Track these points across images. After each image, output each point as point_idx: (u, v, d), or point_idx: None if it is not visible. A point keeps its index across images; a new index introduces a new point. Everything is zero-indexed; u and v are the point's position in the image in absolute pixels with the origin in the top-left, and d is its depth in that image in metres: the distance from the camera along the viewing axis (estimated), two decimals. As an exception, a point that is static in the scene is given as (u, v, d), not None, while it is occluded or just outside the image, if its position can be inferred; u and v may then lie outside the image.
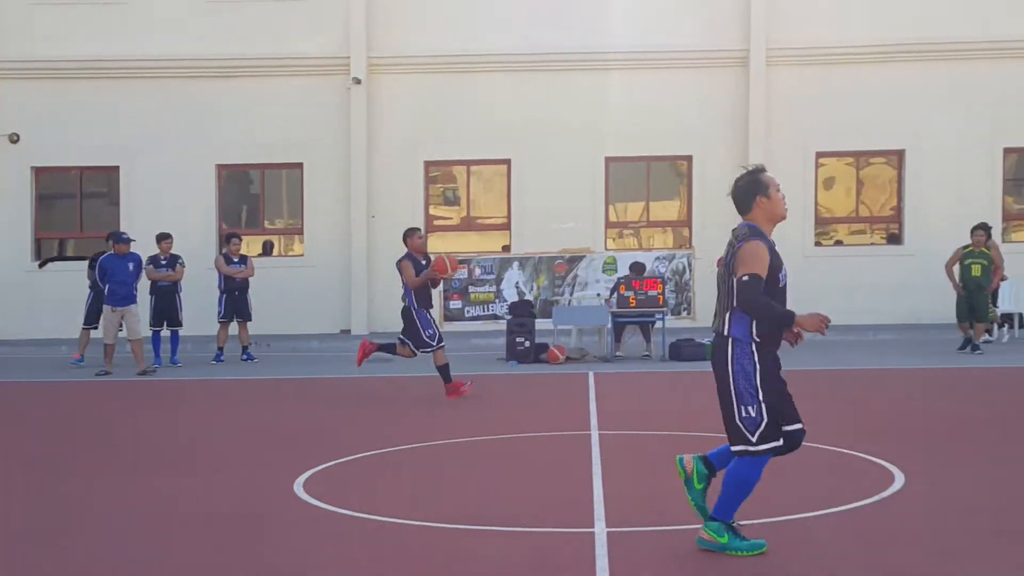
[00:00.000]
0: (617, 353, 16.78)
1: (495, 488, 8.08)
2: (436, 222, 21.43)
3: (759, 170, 6.07)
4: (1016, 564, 5.94)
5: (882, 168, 21.00)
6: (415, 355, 12.53)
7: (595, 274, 18.69)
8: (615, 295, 16.78)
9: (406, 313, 12.40)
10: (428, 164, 21.04)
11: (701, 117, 20.29)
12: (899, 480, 7.84)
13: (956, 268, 16.68)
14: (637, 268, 17.39)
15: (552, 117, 20.26)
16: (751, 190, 5.95)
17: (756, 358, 5.81)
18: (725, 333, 5.86)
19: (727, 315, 5.88)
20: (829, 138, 20.36)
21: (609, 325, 16.85)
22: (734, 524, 6.06)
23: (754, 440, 5.82)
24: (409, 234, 12.82)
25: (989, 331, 17.58)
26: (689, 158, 20.61)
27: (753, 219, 5.94)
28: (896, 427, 10.34)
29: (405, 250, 12.53)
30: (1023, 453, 9.10)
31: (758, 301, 5.70)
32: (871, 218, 21.05)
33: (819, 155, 20.51)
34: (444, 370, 12.43)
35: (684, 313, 18.57)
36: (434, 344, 12.24)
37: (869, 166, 21.07)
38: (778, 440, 5.86)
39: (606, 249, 20.10)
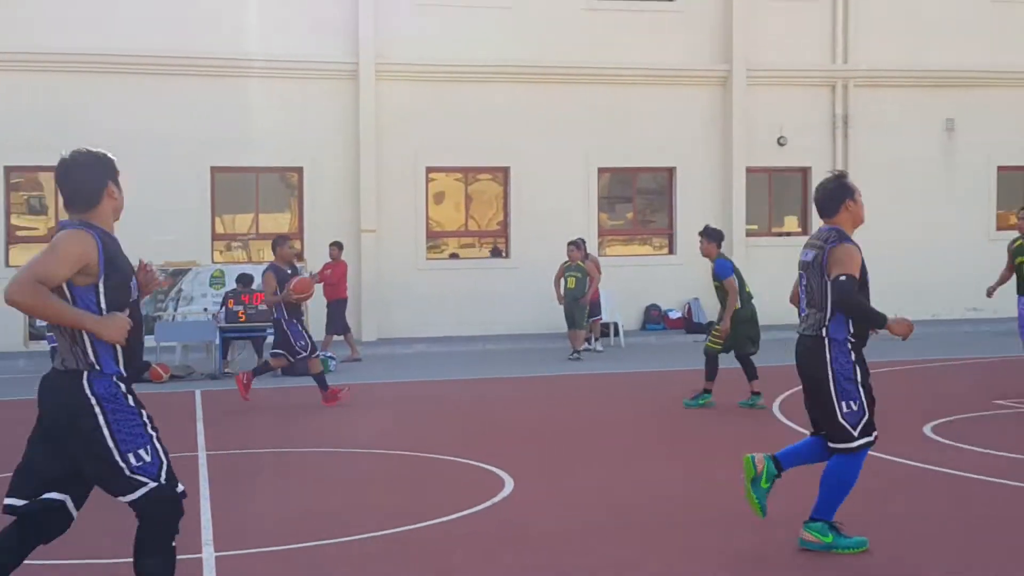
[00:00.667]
0: (226, 370, 16.08)
1: (90, 519, 7.34)
2: (19, 232, 19.69)
3: (844, 175, 6.26)
4: (621, 560, 6.09)
5: (489, 184, 21.67)
6: (291, 363, 12.56)
7: (202, 288, 17.91)
8: (224, 309, 16.12)
9: (277, 324, 12.43)
10: (9, 170, 19.32)
11: (312, 128, 20.00)
12: (509, 485, 7.93)
13: (562, 281, 17.58)
14: (245, 280, 16.80)
15: (154, 125, 19.18)
16: (840, 195, 6.16)
17: (853, 356, 6.00)
18: (823, 334, 6.02)
19: (823, 316, 6.03)
20: (439, 153, 20.71)
21: (217, 340, 16.17)
22: (836, 524, 6.07)
23: (856, 435, 5.94)
24: (279, 242, 12.76)
25: (588, 339, 18.50)
26: (300, 170, 20.26)
27: (838, 222, 6.16)
28: (506, 434, 10.53)
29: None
30: (622, 454, 9.51)
31: (853, 300, 5.88)
32: (480, 232, 21.66)
33: (429, 170, 20.80)
34: (320, 379, 12.31)
35: (296, 327, 18.14)
36: (306, 353, 12.24)
37: (477, 182, 21.68)
38: (873, 435, 6.01)
39: (213, 262, 19.31)
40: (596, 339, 18.87)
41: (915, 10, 22.06)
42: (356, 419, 11.69)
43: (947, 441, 9.36)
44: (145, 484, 4.34)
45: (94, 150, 4.54)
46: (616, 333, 19.39)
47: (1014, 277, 12.56)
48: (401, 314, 20.21)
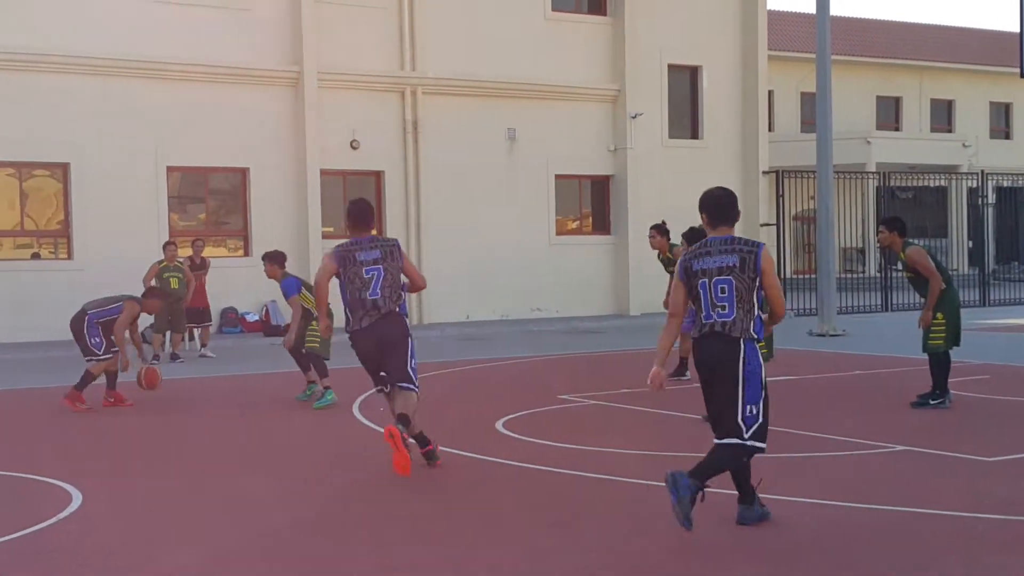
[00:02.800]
0: None
1: None
2: None
3: None
4: (192, 570, 5.84)
5: (47, 181, 20.15)
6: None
7: None
8: None
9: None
10: None
11: None
12: (77, 498, 7.39)
13: (154, 281, 16.67)
14: None
15: None
16: None
17: None
18: None
19: None
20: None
21: None
22: None
23: None
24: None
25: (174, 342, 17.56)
26: None
27: None
28: (74, 446, 9.82)
29: None
30: (199, 463, 9.18)
31: None
32: (38, 232, 20.09)
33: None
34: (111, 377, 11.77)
35: None
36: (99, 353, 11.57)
37: (33, 178, 20.08)
38: None
39: None
40: (204, 345, 17.97)
41: (476, 23, 23.13)
42: None
43: (517, 436, 9.79)
44: (739, 438, 6.23)
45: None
46: (191, 337, 18.66)
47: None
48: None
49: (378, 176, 22.61)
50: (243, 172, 21.35)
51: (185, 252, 18.16)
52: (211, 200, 21.90)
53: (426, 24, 22.63)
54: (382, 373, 8.08)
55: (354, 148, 22.05)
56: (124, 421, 11.21)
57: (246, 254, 21.30)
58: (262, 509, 7.22)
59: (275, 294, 20.60)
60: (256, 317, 20.77)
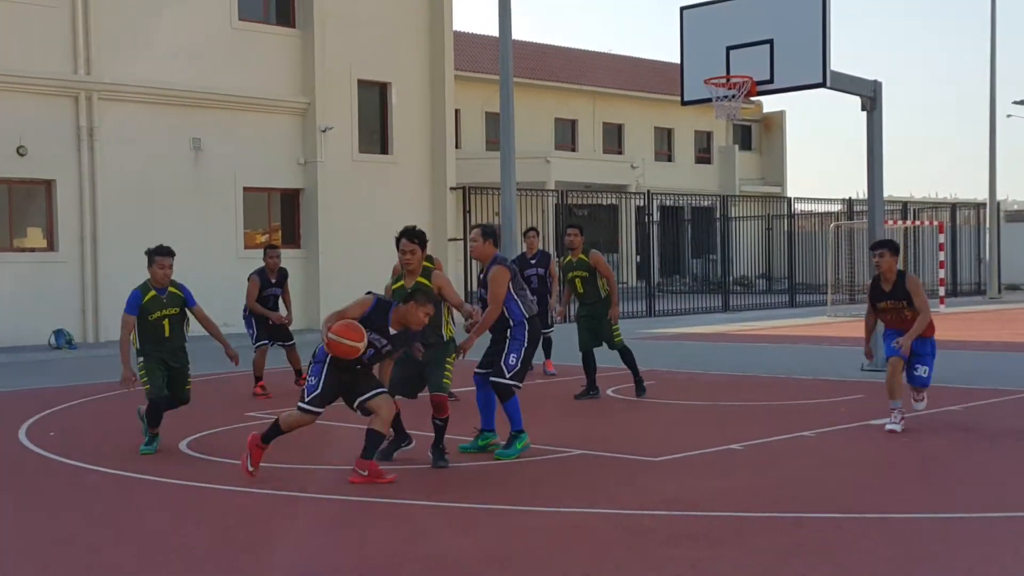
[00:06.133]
0: None
1: None
2: None
3: None
4: None
5: None
6: None
7: None
8: None
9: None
10: None
11: None
12: None
13: None
14: None
15: None
16: None
17: None
18: None
19: None
20: None
21: None
22: None
23: None
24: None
25: None
26: None
27: None
28: None
29: None
30: None
31: None
32: None
33: None
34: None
35: None
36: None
37: None
38: None
39: None
40: None
41: (158, 27, 22.18)
42: None
43: (202, 455, 9.40)
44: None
45: None
46: None
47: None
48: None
49: (48, 185, 21.21)
50: None
51: None
52: None
53: (103, 26, 21.48)
54: None
55: (21, 155, 20.59)
56: None
57: None
58: None
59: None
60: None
